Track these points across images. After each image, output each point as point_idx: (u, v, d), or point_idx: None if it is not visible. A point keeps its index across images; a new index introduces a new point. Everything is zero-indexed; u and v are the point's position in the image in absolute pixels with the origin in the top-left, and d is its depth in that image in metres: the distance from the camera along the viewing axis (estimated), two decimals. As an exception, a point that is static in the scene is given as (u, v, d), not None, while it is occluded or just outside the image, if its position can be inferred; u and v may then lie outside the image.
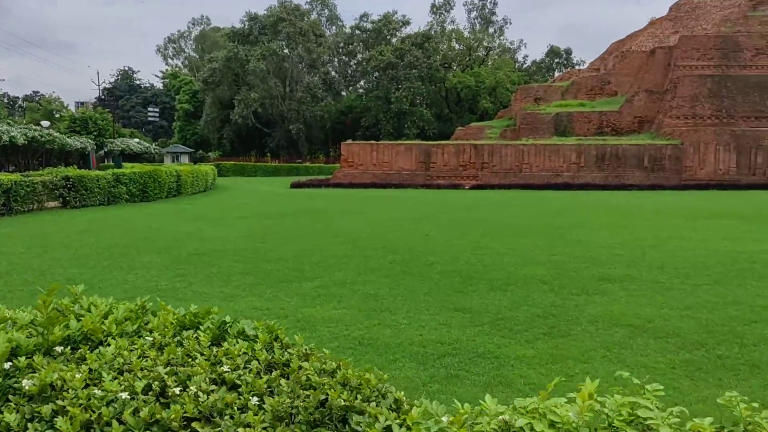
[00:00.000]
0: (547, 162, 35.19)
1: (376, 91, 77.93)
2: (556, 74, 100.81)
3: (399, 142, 38.37)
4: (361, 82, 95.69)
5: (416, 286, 8.39)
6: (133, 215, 18.57)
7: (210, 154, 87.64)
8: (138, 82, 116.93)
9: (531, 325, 6.45)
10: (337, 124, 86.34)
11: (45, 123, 44.12)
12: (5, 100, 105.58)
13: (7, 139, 32.17)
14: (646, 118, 39.78)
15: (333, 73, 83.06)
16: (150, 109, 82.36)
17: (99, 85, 78.47)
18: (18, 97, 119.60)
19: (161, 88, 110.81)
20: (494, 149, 35.83)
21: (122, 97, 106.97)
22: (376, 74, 78.13)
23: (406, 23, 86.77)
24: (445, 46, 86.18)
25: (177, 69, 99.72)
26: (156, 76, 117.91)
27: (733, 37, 38.56)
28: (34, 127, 38.34)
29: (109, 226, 15.71)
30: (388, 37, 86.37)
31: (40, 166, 38.81)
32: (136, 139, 66.00)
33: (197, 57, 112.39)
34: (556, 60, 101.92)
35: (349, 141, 39.47)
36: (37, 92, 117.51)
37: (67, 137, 42.16)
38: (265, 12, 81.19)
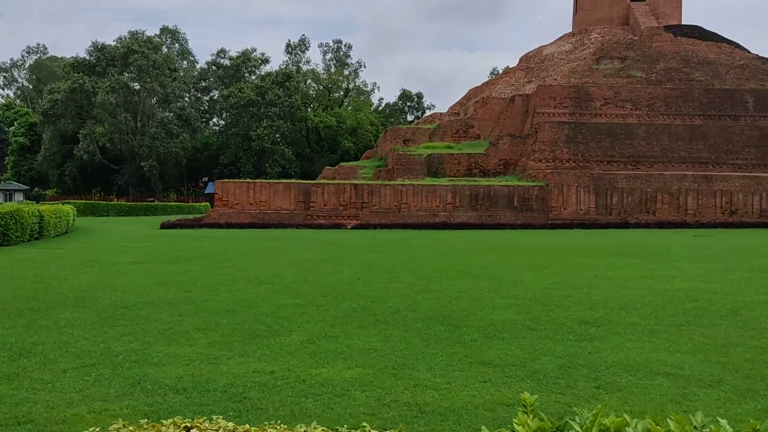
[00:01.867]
0: (425, 202, 35.88)
1: (236, 128, 76.12)
2: (408, 117, 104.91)
3: (277, 181, 37.39)
4: (216, 119, 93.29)
5: (409, 338, 7.78)
6: (6, 263, 16.12)
7: (47, 192, 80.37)
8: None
9: (571, 379, 6.11)
10: (192, 161, 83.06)
11: None
12: None
13: None
14: (511, 161, 42.05)
15: (189, 108, 79.98)
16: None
17: None
18: None
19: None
20: (374, 189, 35.97)
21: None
22: (236, 111, 76.35)
23: (266, 61, 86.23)
24: (304, 86, 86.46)
25: (10, 99, 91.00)
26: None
27: (585, 88, 42.14)
28: None
29: (-17, 277, 13.46)
30: (246, 75, 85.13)
31: None
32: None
33: (32, 87, 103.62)
34: (408, 103, 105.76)
35: (225, 179, 37.87)
36: None
37: None
38: (114, 43, 76.91)
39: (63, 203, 32.66)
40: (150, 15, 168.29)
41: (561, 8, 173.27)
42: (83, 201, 55.51)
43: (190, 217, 42.17)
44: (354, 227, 34.12)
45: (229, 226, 33.65)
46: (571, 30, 60.99)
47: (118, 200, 70.90)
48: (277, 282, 12.79)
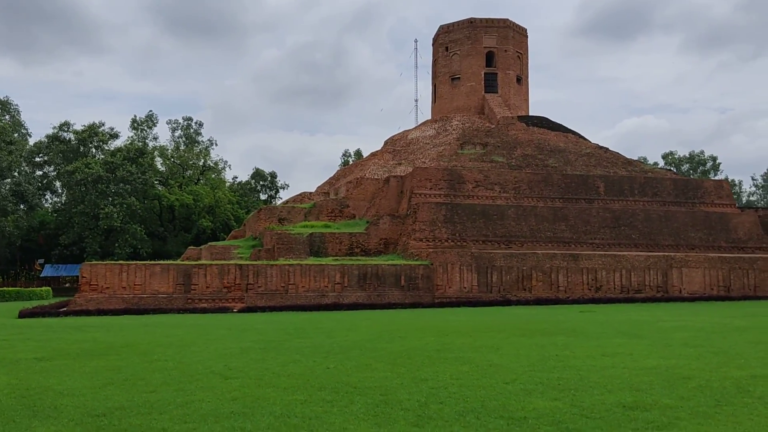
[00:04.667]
0: (313, 282, 35.00)
1: (81, 205, 70.50)
2: (262, 196, 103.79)
3: (154, 262, 34.68)
4: (51, 197, 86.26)
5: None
6: None
7: None
8: None
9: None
10: (26, 241, 75.45)
11: None
12: None
13: None
14: (391, 240, 42.60)
15: (25, 184, 73.15)
16: None
17: None
18: None
19: None
20: (259, 269, 34.53)
21: None
22: (82, 188, 70.95)
23: (115, 136, 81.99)
24: (159, 162, 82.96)
25: None
26: None
27: (457, 171, 44.30)
28: None
29: None
30: (93, 150, 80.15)
31: None
32: None
33: None
34: (261, 182, 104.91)
35: (93, 262, 34.51)
36: None
37: None
38: (-59, 110, 69.26)
39: None
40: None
41: (401, 96, 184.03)
42: None
43: (46, 303, 37.73)
44: (240, 310, 32.35)
45: (99, 312, 30.45)
46: (431, 117, 64.55)
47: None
48: (243, 376, 11.49)
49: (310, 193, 59.01)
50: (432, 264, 36.87)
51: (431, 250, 38.48)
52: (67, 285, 70.51)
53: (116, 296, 32.27)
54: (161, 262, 35.26)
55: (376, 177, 50.31)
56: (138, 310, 31.31)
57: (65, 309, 32.05)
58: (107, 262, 35.78)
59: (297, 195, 58.09)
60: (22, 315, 29.92)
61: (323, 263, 36.23)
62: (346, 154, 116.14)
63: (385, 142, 61.51)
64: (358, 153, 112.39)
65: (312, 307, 33.14)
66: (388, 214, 44.59)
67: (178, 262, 37.69)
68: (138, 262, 34.69)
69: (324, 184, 60.69)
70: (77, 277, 71.57)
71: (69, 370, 12.53)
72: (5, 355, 14.94)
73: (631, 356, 13.48)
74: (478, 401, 9.02)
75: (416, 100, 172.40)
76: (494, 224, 41.82)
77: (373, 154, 58.94)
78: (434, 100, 64.64)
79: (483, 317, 25.76)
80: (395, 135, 61.94)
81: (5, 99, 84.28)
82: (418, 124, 62.80)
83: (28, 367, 13.15)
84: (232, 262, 36.13)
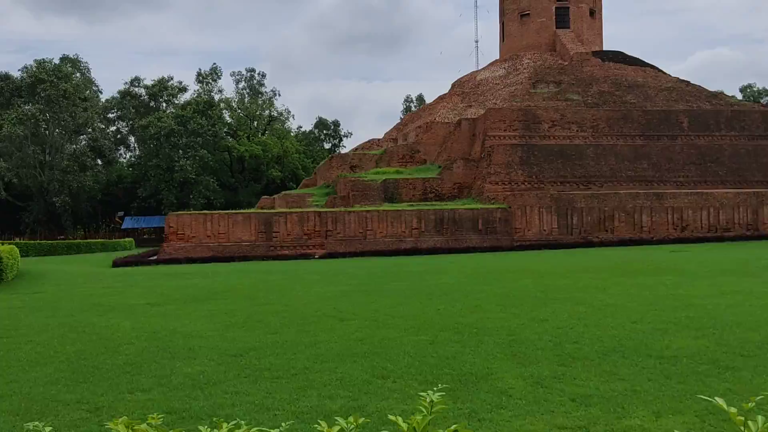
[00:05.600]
0: (390, 228, 35.06)
1: (156, 159, 72.34)
2: (325, 145, 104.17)
3: (236, 211, 35.43)
4: (125, 151, 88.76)
5: (648, 377, 6.91)
6: (24, 312, 13.72)
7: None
8: None
9: None
10: (106, 195, 78.26)
11: None
12: None
13: None
14: (465, 184, 42.07)
15: (101, 139, 75.49)
16: None
17: None
18: None
19: None
20: (337, 216, 34.78)
21: None
22: (156, 142, 72.68)
23: (183, 90, 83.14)
24: (227, 114, 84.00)
25: None
26: None
27: (532, 111, 43.01)
28: None
29: (32, 332, 11.29)
30: (164, 104, 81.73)
31: None
32: None
33: None
34: (324, 131, 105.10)
35: (179, 212, 35.50)
36: None
37: None
38: (20, 72, 71.70)
39: (9, 243, 29.17)
40: (36, 46, 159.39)
41: (461, 38, 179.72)
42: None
43: (135, 253, 39.22)
44: (321, 257, 32.75)
45: (188, 260, 31.39)
46: (499, 56, 62.63)
47: (22, 239, 65.18)
48: (357, 318, 11.53)
49: (379, 139, 58.62)
50: (510, 207, 36.27)
51: (508, 193, 37.82)
52: (145, 236, 73.16)
53: (202, 244, 33.17)
54: (243, 211, 35.98)
55: (446, 121, 49.45)
56: (223, 257, 32.11)
57: (155, 257, 33.22)
58: (192, 212, 36.70)
59: (365, 142, 57.83)
60: (116, 264, 31.16)
61: (399, 209, 36.17)
62: (408, 100, 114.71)
63: (453, 85, 60.18)
64: (420, 98, 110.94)
65: (390, 252, 33.25)
66: (460, 158, 43.92)
67: (259, 210, 38.32)
68: (221, 211, 35.48)
69: (392, 130, 60.18)
70: (156, 228, 74.41)
71: (185, 314, 12.88)
72: (119, 301, 15.52)
73: (753, 294, 12.87)
74: (614, 341, 8.74)
75: (476, 42, 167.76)
76: (572, 165, 40.65)
77: (441, 98, 57.83)
78: (502, 39, 62.53)
79: (571, 259, 25.24)
80: (463, 77, 60.48)
81: (75, 57, 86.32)
82: (486, 64, 61.02)
83: (144, 311, 13.61)
84: (311, 209, 36.47)
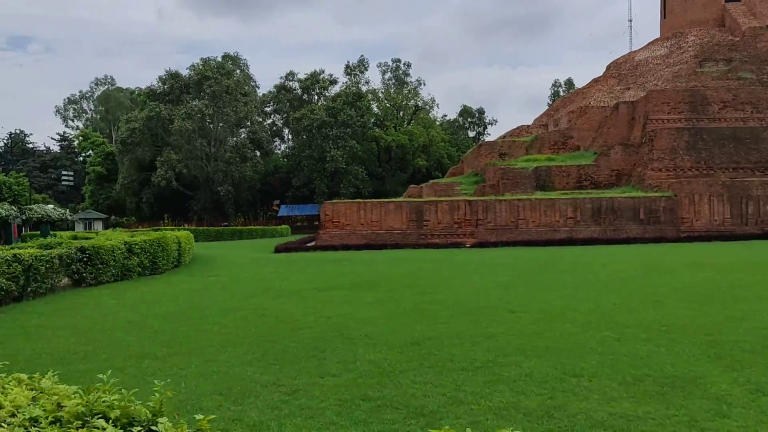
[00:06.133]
0: (543, 217, 33.98)
1: (309, 150, 75.47)
2: (470, 133, 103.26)
3: (387, 200, 36.07)
4: (279, 143, 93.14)
5: None
6: (206, 294, 14.80)
7: (123, 219, 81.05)
8: (31, 146, 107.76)
9: None
10: (263, 184, 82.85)
11: (-30, 188, 38.05)
12: None
13: (-60, 206, 26.87)
14: (623, 171, 39.84)
15: (260, 132, 79.98)
16: (64, 173, 75.16)
17: None
18: None
19: (59, 151, 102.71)
20: (488, 205, 34.25)
21: (15, 161, 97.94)
22: (308, 133, 75.80)
23: (334, 82, 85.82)
24: (374, 105, 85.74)
25: (86, 130, 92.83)
26: (53, 139, 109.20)
27: (699, 92, 39.75)
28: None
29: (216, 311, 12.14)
30: (315, 96, 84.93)
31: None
32: (51, 205, 59.41)
33: (99, 118, 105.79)
34: (469, 119, 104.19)
35: (335, 200, 36.75)
36: None
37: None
38: (188, 70, 77.62)
39: (178, 229, 31.77)
40: (199, 46, 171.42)
41: (611, 18, 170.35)
42: (172, 227, 55.16)
43: (291, 239, 41.13)
44: (472, 246, 32.41)
45: (343, 247, 32.35)
46: (659, 34, 58.60)
47: (190, 225, 70.77)
48: (526, 310, 11.13)
49: (528, 126, 57.11)
50: (676, 195, 33.83)
51: (673, 180, 35.30)
52: (298, 223, 76.71)
53: (356, 232, 34.06)
54: (394, 199, 36.49)
55: (601, 104, 47.08)
56: (376, 245, 32.77)
57: (312, 244, 34.60)
58: (346, 200, 37.79)
59: (514, 129, 56.55)
60: (278, 250, 32.80)
61: (553, 197, 34.95)
62: (555, 85, 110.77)
63: (608, 67, 57.15)
64: (569, 83, 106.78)
65: (543, 242, 32.25)
66: (618, 143, 41.63)
67: (410, 199, 38.67)
68: (374, 200, 36.20)
69: (542, 116, 58.36)
70: (308, 215, 77.86)
71: (352, 300, 13.15)
72: (288, 286, 16.20)
73: None
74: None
75: (630, 21, 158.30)
76: (747, 149, 37.13)
77: (595, 81, 55.12)
78: (663, 16, 58.36)
79: (751, 252, 23.01)
80: (619, 58, 57.25)
81: (235, 54, 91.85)
82: (645, 44, 57.28)
83: (313, 297, 14.08)
84: (461, 198, 36.24)
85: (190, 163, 73.19)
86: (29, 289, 14.06)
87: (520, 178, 39.40)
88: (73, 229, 62.95)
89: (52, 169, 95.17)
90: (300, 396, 6.19)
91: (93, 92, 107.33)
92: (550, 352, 7.78)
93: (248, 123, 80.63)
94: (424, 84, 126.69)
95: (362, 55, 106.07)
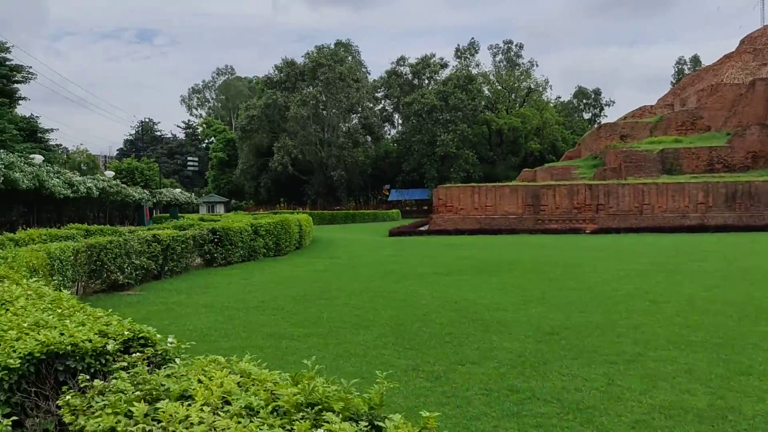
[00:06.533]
0: (670, 202, 32.05)
1: (419, 134, 75.37)
2: (585, 115, 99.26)
3: (503, 184, 35.38)
4: (389, 127, 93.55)
5: None
6: (330, 276, 15.09)
7: (243, 203, 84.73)
8: (159, 133, 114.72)
9: None
10: (375, 169, 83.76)
11: (109, 173, 41.13)
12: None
13: (84, 190, 29.08)
14: (761, 153, 36.82)
15: (371, 117, 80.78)
16: (189, 159, 79.69)
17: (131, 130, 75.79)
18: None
19: (184, 138, 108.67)
20: (610, 189, 32.73)
21: (146, 148, 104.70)
22: (419, 118, 75.70)
23: (444, 66, 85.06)
24: (485, 88, 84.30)
25: (210, 117, 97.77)
26: (178, 126, 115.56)
27: None
28: (101, 178, 35.38)
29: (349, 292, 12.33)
30: (426, 81, 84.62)
31: (105, 219, 35.71)
32: (179, 189, 63.08)
33: (220, 106, 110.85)
34: (584, 101, 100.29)
35: (448, 184, 36.55)
36: (59, 145, 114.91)
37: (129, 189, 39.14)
38: (303, 58, 79.56)
39: (297, 213, 32.72)
40: (312, 35, 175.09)
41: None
42: (289, 210, 57.02)
43: (402, 224, 41.27)
44: (593, 231, 31.13)
45: (456, 232, 32.04)
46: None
47: (304, 209, 72.79)
48: (667, 300, 10.41)
49: (651, 106, 54.07)
50: (823, 179, 30.88)
51: (820, 162, 32.22)
52: (407, 208, 76.95)
53: (469, 217, 33.64)
54: (509, 183, 35.73)
55: (735, 82, 43.70)
56: (490, 230, 32.22)
57: (425, 228, 34.54)
58: (459, 185, 37.42)
59: (636, 110, 53.72)
60: (392, 234, 33.01)
61: (681, 181, 32.88)
62: (680, 62, 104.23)
63: (741, 42, 52.91)
64: (695, 60, 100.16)
65: (670, 228, 30.43)
66: (755, 123, 38.47)
67: (526, 183, 37.71)
68: (488, 184, 35.60)
69: (667, 95, 55.06)
70: (417, 200, 78.00)
71: (476, 286, 12.87)
72: (408, 269, 16.16)
73: None
74: None
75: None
76: None
77: (728, 57, 51.22)
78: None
79: None
80: (754, 32, 52.84)
81: (347, 42, 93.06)
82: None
83: (435, 281, 13.93)
84: (580, 182, 34.87)
85: (304, 149, 75.13)
86: (166, 268, 14.84)
87: (645, 161, 37.36)
88: (197, 211, 66.48)
89: (178, 155, 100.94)
90: (443, 383, 6.03)
91: (214, 82, 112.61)
92: (707, 347, 7.18)
93: (360, 109, 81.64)
94: (537, 65, 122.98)
95: (473, 38, 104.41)
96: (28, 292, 3.91)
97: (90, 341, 2.57)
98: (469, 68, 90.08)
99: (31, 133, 43.10)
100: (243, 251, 18.10)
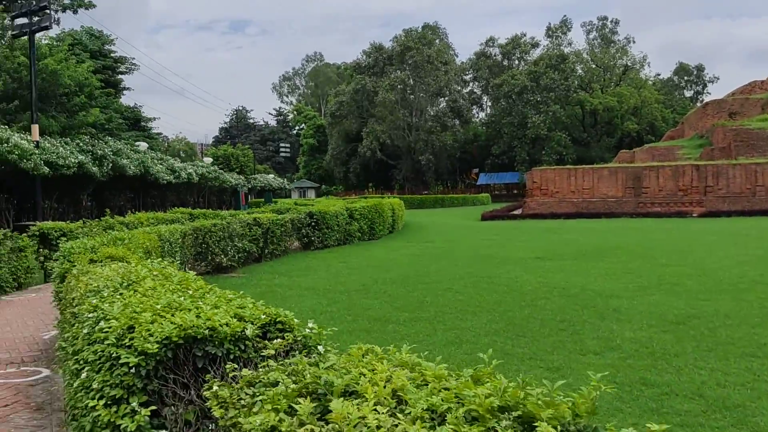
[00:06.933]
0: (789, 184, 29.74)
1: (509, 117, 73.68)
2: (686, 93, 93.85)
3: (601, 165, 34.02)
4: (476, 110, 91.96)
5: None
6: (427, 260, 14.89)
7: (332, 188, 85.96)
8: (252, 121, 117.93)
9: None
10: (463, 152, 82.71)
11: (207, 160, 42.69)
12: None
13: (185, 176, 30.14)
14: None
15: (460, 100, 79.65)
16: (282, 145, 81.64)
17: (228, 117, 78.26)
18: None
19: (275, 125, 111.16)
20: (719, 170, 30.75)
21: (239, 135, 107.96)
22: (509, 99, 73.99)
23: (535, 45, 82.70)
24: (579, 67, 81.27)
25: (301, 104, 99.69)
26: (270, 114, 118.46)
27: None
28: (200, 164, 36.63)
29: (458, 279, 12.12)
30: (516, 61, 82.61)
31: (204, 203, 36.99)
32: (272, 175, 64.65)
33: (309, 93, 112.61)
34: (685, 77, 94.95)
35: (542, 167, 35.49)
36: (160, 133, 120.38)
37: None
38: (391, 42, 79.35)
39: (387, 197, 32.67)
40: (396, 19, 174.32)
41: None
42: (378, 195, 57.26)
43: (492, 208, 40.50)
44: (700, 215, 29.37)
45: (552, 216, 31.07)
46: None
47: (392, 194, 72.84)
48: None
49: (761, 81, 50.33)
50: None
51: None
52: (496, 192, 75.51)
53: (566, 200, 32.51)
54: (608, 165, 34.31)
55: None
56: (588, 213, 31.03)
57: (518, 212, 33.70)
58: (555, 167, 36.28)
59: (745, 86, 50.16)
60: (485, 218, 32.40)
61: (801, 160, 30.44)
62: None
63: None
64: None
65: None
66: None
67: (626, 165, 36.07)
68: (585, 166, 34.30)
69: (781, 69, 51.07)
70: (506, 184, 76.48)
71: (582, 271, 12.28)
72: (506, 254, 15.69)
73: None
74: None
75: None
76: None
77: None
78: None
79: None
80: None
81: (434, 24, 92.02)
82: None
83: (537, 265, 13.41)
84: (686, 163, 32.95)
85: (392, 134, 75.11)
86: (266, 250, 15.05)
87: (757, 140, 34.84)
88: (289, 197, 67.95)
89: (270, 142, 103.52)
90: (566, 374, 5.64)
91: (304, 69, 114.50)
92: None
93: (448, 92, 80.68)
94: (633, 42, 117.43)
95: (565, 15, 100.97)
96: (154, 273, 3.87)
97: (227, 325, 2.41)
98: (561, 47, 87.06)
99: (135, 122, 45.19)
100: (339, 235, 18.15)
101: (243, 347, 2.41)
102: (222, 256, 13.09)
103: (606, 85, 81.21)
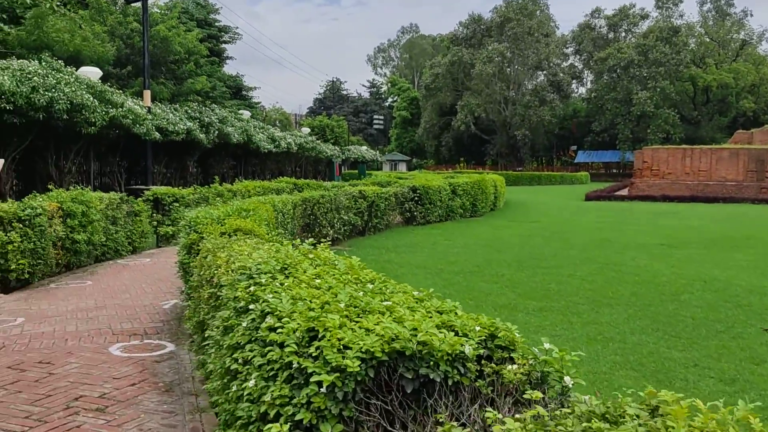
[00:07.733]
0: None
1: (613, 92, 70.19)
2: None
3: (719, 146, 31.72)
4: (576, 85, 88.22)
5: None
6: (538, 241, 14.14)
7: (424, 162, 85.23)
8: (345, 92, 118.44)
9: None
10: (561, 129, 79.78)
11: (305, 130, 42.97)
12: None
13: (285, 145, 30.30)
14: None
15: (560, 74, 76.59)
16: (375, 117, 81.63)
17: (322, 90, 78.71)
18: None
19: (368, 97, 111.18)
20: None
21: (333, 106, 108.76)
22: (613, 74, 70.44)
23: (645, 17, 78.17)
24: (692, 41, 76.23)
25: (395, 76, 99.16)
26: (363, 86, 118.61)
27: None
28: (298, 134, 36.86)
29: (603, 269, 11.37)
30: (623, 34, 78.48)
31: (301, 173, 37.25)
32: (365, 147, 64.67)
33: (404, 65, 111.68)
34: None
35: (655, 146, 33.47)
36: (258, 103, 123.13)
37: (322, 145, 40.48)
38: (491, 13, 77.16)
39: (486, 173, 31.79)
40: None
41: None
42: (470, 170, 56.23)
43: (597, 187, 38.72)
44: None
45: (664, 198, 29.22)
46: None
47: (484, 169, 71.22)
48: None
49: None
50: None
51: None
52: (593, 171, 72.37)
53: (679, 182, 30.49)
54: (728, 146, 31.91)
55: None
56: (704, 197, 28.99)
57: (625, 193, 31.97)
58: (668, 147, 34.15)
59: None
60: (588, 198, 30.94)
61: None
62: None
63: None
64: None
65: None
66: None
67: (749, 146, 33.43)
68: (702, 146, 32.05)
69: None
70: (606, 163, 73.24)
71: (720, 262, 11.18)
72: (625, 238, 14.64)
73: None
74: None
75: None
76: None
77: None
78: None
79: None
80: None
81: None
82: None
83: (664, 253, 12.38)
84: (819, 146, 30.14)
85: (488, 107, 73.33)
86: (370, 224, 14.68)
87: None
88: (381, 169, 67.81)
89: (362, 114, 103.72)
90: (743, 386, 4.86)
91: (399, 41, 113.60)
92: None
93: (547, 65, 77.78)
94: (751, 15, 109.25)
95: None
96: (310, 256, 3.41)
97: (444, 340, 1.87)
98: (672, 19, 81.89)
99: (237, 91, 46.01)
100: (441, 211, 17.58)
101: (463, 370, 1.87)
102: (329, 228, 12.81)
103: (721, 60, 75.83)
